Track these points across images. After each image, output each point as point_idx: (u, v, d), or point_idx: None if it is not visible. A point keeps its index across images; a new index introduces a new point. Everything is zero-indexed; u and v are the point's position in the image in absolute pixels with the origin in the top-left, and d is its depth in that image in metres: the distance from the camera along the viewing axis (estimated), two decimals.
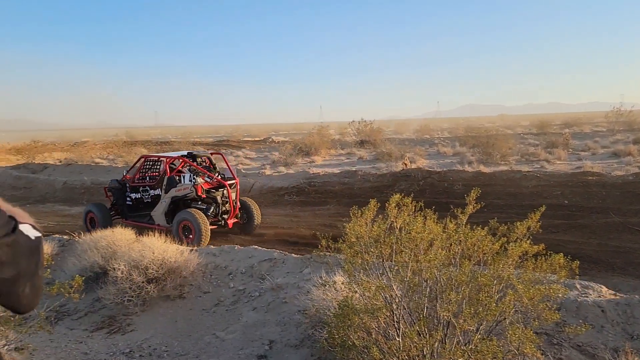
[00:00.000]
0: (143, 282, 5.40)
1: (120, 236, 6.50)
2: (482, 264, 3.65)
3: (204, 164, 9.66)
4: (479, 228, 3.49)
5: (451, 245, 3.21)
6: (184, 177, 9.07)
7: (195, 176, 9.02)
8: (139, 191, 10.03)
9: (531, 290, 2.92)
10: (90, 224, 9.71)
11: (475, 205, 3.58)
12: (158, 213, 9.14)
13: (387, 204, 3.57)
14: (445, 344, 3.20)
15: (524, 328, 2.97)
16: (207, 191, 9.01)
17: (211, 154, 10.28)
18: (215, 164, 10.01)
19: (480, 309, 3.04)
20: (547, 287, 2.98)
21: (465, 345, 3.23)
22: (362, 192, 13.71)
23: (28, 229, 1.13)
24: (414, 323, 3.28)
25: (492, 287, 3.23)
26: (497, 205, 11.02)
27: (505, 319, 3.16)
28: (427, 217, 3.56)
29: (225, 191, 9.19)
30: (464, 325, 2.96)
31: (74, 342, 4.85)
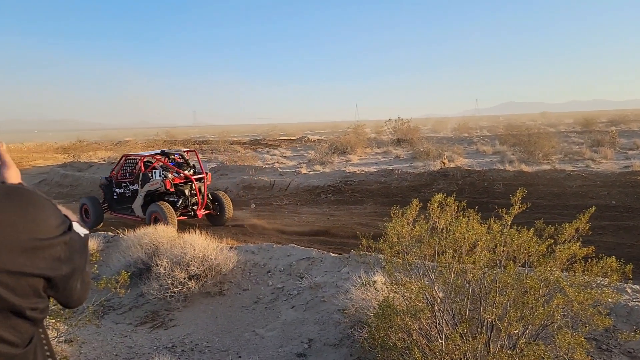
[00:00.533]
0: (185, 278, 5.51)
1: (163, 233, 6.65)
2: (527, 266, 3.55)
3: (180, 161, 10.75)
4: (524, 229, 3.40)
5: (496, 246, 3.13)
6: (155, 173, 10.16)
7: (165, 172, 10.11)
8: (122, 186, 11.23)
9: (582, 295, 2.82)
10: (85, 215, 10.96)
11: (520, 205, 3.48)
12: (137, 206, 10.35)
13: (428, 204, 3.52)
14: (489, 347, 3.13)
15: (574, 333, 2.87)
16: (176, 185, 10.05)
17: (186, 152, 11.37)
18: (188, 161, 10.97)
19: (527, 312, 2.95)
20: (599, 292, 2.86)
21: (510, 349, 3.15)
22: (399, 191, 13.58)
23: (78, 227, 1.17)
24: (457, 325, 3.22)
25: (539, 290, 3.14)
26: (540, 206, 10.72)
27: (552, 323, 3.07)
28: (470, 218, 3.49)
29: (193, 185, 10.26)
30: (509, 328, 2.89)
31: (119, 336, 4.99)
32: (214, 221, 10.97)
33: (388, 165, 18.98)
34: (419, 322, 3.18)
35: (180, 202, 10.16)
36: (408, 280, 3.14)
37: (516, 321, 2.90)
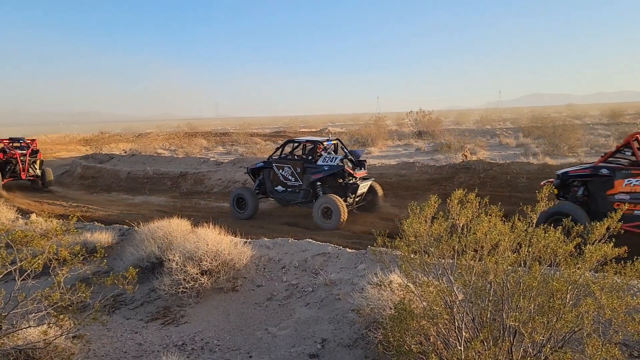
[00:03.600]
0: (197, 273, 5.39)
1: (177, 227, 6.55)
2: (553, 266, 3.32)
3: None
4: (550, 227, 3.16)
5: (520, 246, 2.90)
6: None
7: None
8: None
9: (615, 301, 2.58)
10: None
11: (547, 203, 3.24)
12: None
13: (448, 199, 3.31)
14: (512, 354, 2.92)
15: (605, 341, 2.64)
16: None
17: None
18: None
19: (554, 318, 2.73)
20: (634, 299, 2.62)
21: (534, 356, 2.93)
22: (419, 184, 13.29)
23: None
24: (478, 330, 3.02)
25: (567, 293, 2.91)
26: None
27: (581, 329, 2.84)
28: (493, 215, 3.26)
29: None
30: (534, 335, 2.67)
31: (130, 332, 4.91)
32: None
33: (409, 158, 18.65)
34: (436, 326, 2.99)
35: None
36: (426, 280, 2.94)
37: (542, 327, 2.69)
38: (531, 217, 3.17)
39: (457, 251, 2.99)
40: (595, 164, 7.88)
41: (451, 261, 3.14)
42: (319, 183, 10.08)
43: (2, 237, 4.09)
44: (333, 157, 10.07)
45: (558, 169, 12.99)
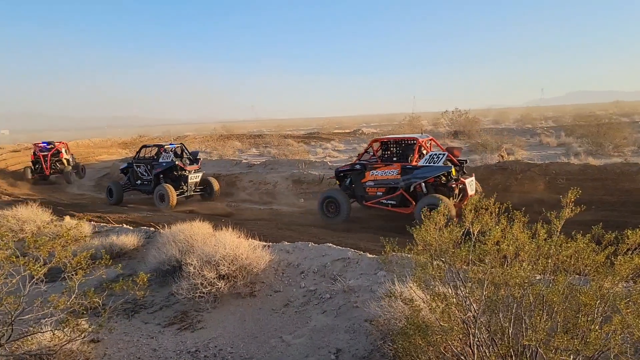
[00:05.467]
0: (214, 278, 5.31)
1: (198, 230, 6.52)
2: (582, 275, 3.04)
3: None
4: (579, 235, 2.89)
5: (539, 258, 2.65)
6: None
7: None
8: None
9: None
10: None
11: (574, 208, 2.97)
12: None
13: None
14: None
15: None
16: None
17: None
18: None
19: (578, 339, 2.48)
20: None
21: None
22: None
23: None
24: (495, 346, 2.78)
25: (595, 309, 2.65)
26: (607, 203, 9.80)
27: (608, 349, 2.57)
28: (516, 220, 3.01)
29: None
30: (556, 358, 2.42)
31: (146, 337, 4.87)
32: None
33: None
34: (447, 342, 2.77)
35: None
36: (436, 294, 2.73)
37: (566, 350, 2.44)
38: (555, 224, 2.91)
39: (472, 261, 2.76)
40: (354, 162, 10.93)
41: (462, 272, 2.93)
42: (161, 176, 14.06)
43: (27, 242, 4.10)
44: (169, 156, 13.98)
45: (602, 169, 12.38)
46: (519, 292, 2.50)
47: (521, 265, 2.54)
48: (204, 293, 5.29)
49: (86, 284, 5.39)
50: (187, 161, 14.37)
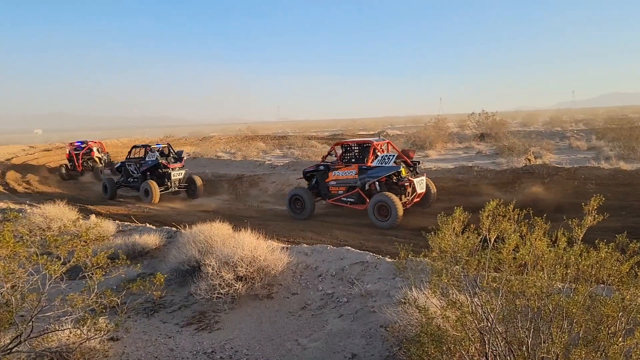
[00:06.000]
0: (232, 279, 5.33)
1: (217, 231, 6.55)
2: (605, 285, 2.94)
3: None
4: (602, 244, 2.78)
5: (556, 267, 2.56)
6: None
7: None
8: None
9: None
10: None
11: (596, 216, 2.87)
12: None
13: (505, 207, 3.00)
14: None
15: None
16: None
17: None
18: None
19: (599, 352, 2.38)
20: None
21: None
22: (477, 189, 12.68)
23: None
24: (512, 357, 2.70)
25: (617, 321, 2.54)
26: (639, 209, 9.47)
27: None
28: (537, 227, 2.92)
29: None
30: None
31: (164, 337, 4.91)
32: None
33: (468, 162, 17.94)
34: (465, 351, 2.70)
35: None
36: (447, 302, 2.66)
37: None
38: (577, 232, 2.81)
39: (488, 269, 2.69)
40: (319, 163, 11.77)
41: (479, 279, 2.85)
42: (148, 173, 15.29)
43: (48, 241, 4.18)
44: (154, 155, 15.29)
45: (633, 174, 12.01)
46: (536, 303, 2.42)
47: (539, 275, 2.46)
48: (221, 294, 5.31)
49: (107, 283, 5.50)
50: (172, 160, 15.72)
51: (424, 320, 2.83)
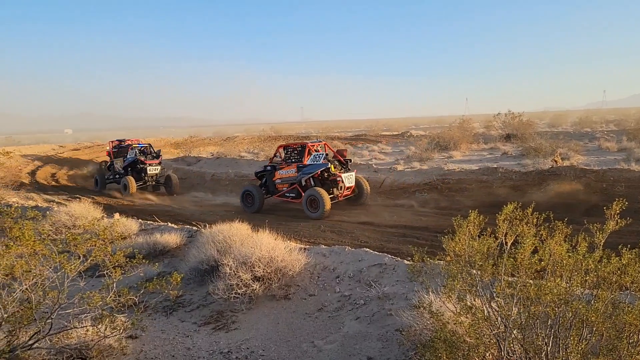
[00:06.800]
0: (249, 279, 5.34)
1: (236, 231, 6.58)
2: (630, 291, 2.82)
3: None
4: (625, 250, 2.68)
5: (574, 273, 2.47)
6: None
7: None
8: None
9: None
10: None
11: (619, 221, 2.76)
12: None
13: (527, 209, 2.92)
14: None
15: None
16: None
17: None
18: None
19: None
20: None
21: None
22: (501, 191, 12.47)
23: None
24: None
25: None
26: None
27: None
28: (557, 233, 2.83)
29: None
30: None
31: (181, 336, 4.95)
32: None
33: (493, 163, 17.64)
34: (479, 358, 2.63)
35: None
36: (461, 307, 2.60)
37: None
38: (598, 237, 2.71)
39: (503, 274, 2.61)
40: (267, 164, 13.30)
41: (497, 282, 2.77)
42: (129, 169, 17.61)
43: (67, 239, 4.26)
44: (134, 152, 17.60)
45: None
46: (553, 310, 2.34)
47: (556, 281, 2.37)
48: (239, 294, 5.33)
49: (128, 281, 5.57)
50: (151, 157, 17.91)
51: (437, 325, 2.77)
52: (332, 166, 11.68)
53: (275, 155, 13.43)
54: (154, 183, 17.51)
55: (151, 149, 18.39)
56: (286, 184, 12.49)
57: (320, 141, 13.19)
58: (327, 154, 12.08)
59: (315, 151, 12.47)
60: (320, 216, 10.89)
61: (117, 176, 18.16)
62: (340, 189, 11.76)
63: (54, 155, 30.31)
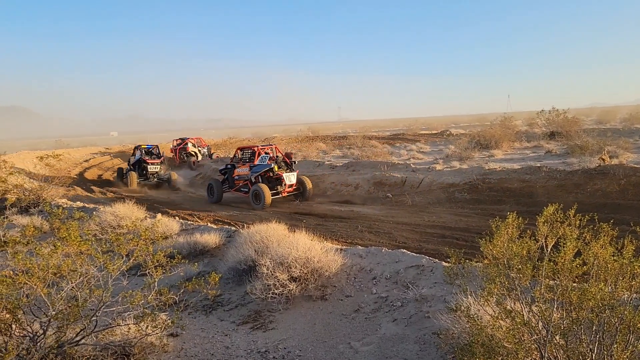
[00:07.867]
0: (286, 280, 5.39)
1: (273, 231, 6.64)
2: None
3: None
4: None
5: (618, 277, 2.37)
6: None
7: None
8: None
9: None
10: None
11: None
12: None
13: (569, 211, 2.83)
14: None
15: None
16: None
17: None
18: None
19: None
20: None
21: None
22: (545, 191, 12.09)
23: None
24: None
25: None
26: None
27: None
28: (603, 235, 2.72)
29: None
30: None
31: (220, 334, 5.04)
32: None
33: (536, 162, 17.13)
34: None
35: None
36: (499, 312, 2.53)
37: None
38: None
39: (542, 278, 2.53)
40: (229, 163, 15.89)
41: (539, 286, 2.69)
42: (136, 167, 20.26)
43: (111, 240, 4.41)
44: (140, 152, 20.74)
45: None
46: (595, 315, 2.25)
47: (600, 286, 2.28)
48: (276, 294, 5.38)
49: (170, 280, 5.72)
50: (154, 157, 21.08)
51: (474, 329, 2.71)
52: (277, 166, 14.00)
53: (234, 156, 16.00)
54: (155, 180, 20.31)
55: (158, 150, 21.93)
56: (242, 181, 14.98)
57: (270, 145, 15.67)
58: (277, 156, 14.50)
59: (265, 153, 14.88)
60: (262, 207, 13.16)
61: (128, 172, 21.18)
62: (284, 186, 14.03)
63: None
